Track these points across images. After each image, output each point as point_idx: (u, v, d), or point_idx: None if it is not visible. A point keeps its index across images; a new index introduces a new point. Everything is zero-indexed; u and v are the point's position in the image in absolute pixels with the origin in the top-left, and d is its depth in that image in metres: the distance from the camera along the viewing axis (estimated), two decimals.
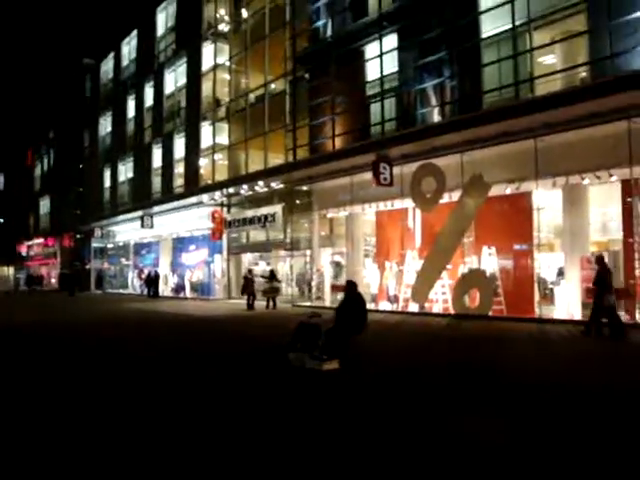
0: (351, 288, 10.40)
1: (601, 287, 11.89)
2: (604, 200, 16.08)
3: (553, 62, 16.04)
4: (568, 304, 15.34)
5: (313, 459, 4.67)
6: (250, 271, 23.24)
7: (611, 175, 14.30)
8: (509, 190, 16.38)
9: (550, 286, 17.21)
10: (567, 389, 7.14)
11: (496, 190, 16.39)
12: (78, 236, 45.45)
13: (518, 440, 5.09)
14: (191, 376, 8.43)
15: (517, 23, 15.69)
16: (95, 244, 42.95)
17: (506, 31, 16.17)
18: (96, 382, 8.05)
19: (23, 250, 60.48)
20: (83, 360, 10.11)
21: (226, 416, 6.07)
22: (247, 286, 21.92)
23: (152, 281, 31.78)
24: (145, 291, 32.64)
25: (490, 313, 16.21)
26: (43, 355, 10.86)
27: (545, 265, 17.04)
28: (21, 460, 4.78)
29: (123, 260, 40.50)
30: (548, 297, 16.98)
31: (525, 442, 5.03)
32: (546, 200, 16.58)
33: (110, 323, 17.47)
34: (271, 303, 21.52)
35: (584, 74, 15.02)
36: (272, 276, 22.13)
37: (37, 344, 12.56)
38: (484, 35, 16.97)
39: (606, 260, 12.71)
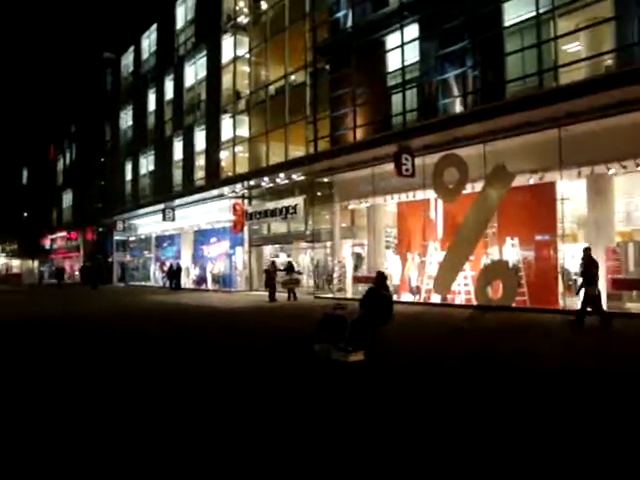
0: (380, 279, 10.43)
1: (586, 278, 12.02)
2: (629, 189, 15.89)
3: (578, 50, 15.80)
4: None
5: (337, 446, 4.73)
6: (273, 263, 23.34)
7: (638, 164, 14.09)
8: (532, 180, 16.24)
9: (574, 277, 17.03)
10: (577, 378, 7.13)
11: (519, 180, 16.25)
12: (100, 229, 45.95)
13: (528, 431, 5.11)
14: (218, 367, 8.53)
15: (541, 10, 15.49)
16: (117, 237, 43.38)
17: (529, 19, 15.97)
18: (126, 372, 8.20)
19: (46, 243, 61.31)
20: (113, 350, 10.28)
21: (253, 405, 6.14)
22: (270, 278, 22.04)
23: (174, 273, 32.09)
24: (167, 283, 32.96)
25: (513, 304, 16.12)
26: (72, 347, 11.04)
27: (569, 256, 16.87)
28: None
29: (145, 253, 40.88)
30: (572, 288, 16.81)
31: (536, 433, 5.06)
32: (570, 190, 16.40)
33: (135, 315, 17.73)
34: (291, 295, 21.60)
35: (609, 62, 14.79)
36: (290, 268, 22.22)
37: (67, 337, 12.77)
38: (507, 23, 16.76)
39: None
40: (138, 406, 6.26)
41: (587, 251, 12.46)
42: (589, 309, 12.08)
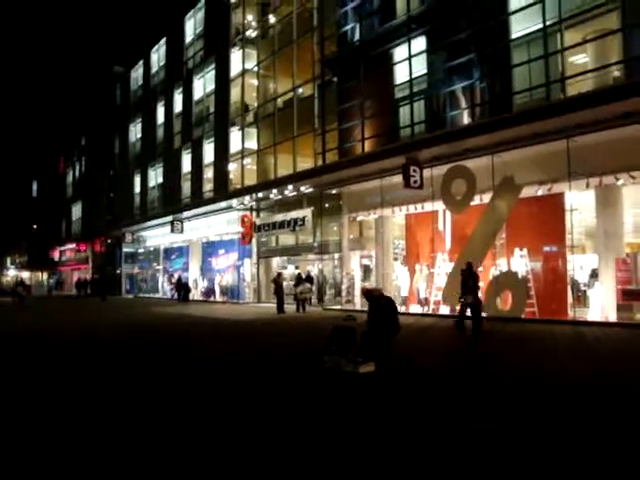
0: (378, 297, 10.40)
1: (463, 288, 13.95)
2: (637, 200, 15.86)
3: (585, 61, 15.85)
4: (602, 306, 15.13)
5: (347, 458, 4.75)
6: (279, 274, 23.39)
7: None
8: (541, 191, 16.24)
9: (583, 288, 16.99)
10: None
11: (528, 191, 16.29)
12: (109, 241, 46.18)
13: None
14: (229, 379, 8.55)
15: (548, 23, 15.56)
16: (126, 249, 43.61)
17: (536, 31, 16.04)
18: (142, 382, 8.24)
19: (55, 255, 61.63)
20: (128, 358, 10.34)
21: (263, 415, 6.16)
22: (277, 290, 22.06)
23: (182, 285, 32.17)
24: (175, 295, 33.04)
25: (523, 315, 16.08)
26: (90, 359, 11.10)
27: (578, 267, 16.83)
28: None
29: (154, 265, 41.02)
30: (581, 299, 16.77)
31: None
32: (579, 201, 16.40)
33: (145, 327, 17.79)
34: (301, 306, 21.64)
35: (617, 73, 14.82)
36: (298, 282, 22.24)
37: (87, 350, 12.84)
38: (514, 36, 16.85)
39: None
40: (151, 410, 6.31)
41: (468, 265, 14.32)
42: (468, 314, 13.92)
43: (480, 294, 17.25)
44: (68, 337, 15.02)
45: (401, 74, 20.43)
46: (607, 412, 6.05)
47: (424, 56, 19.40)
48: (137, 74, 44.24)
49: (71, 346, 13.01)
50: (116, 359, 10.78)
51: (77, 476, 4.52)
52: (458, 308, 14.72)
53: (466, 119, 18.22)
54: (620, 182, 14.68)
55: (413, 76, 19.51)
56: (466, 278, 13.99)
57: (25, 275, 68.24)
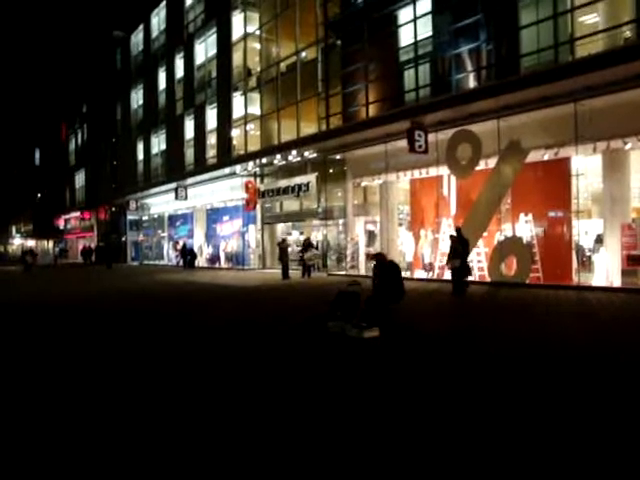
0: (383, 260, 10.47)
1: (453, 253, 14.33)
2: None
3: (595, 22, 15.46)
4: (607, 271, 15.12)
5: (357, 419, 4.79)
6: (284, 240, 23.42)
7: None
8: (547, 156, 16.07)
9: (588, 253, 16.95)
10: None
11: (534, 156, 16.13)
12: (113, 209, 46.16)
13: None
14: (236, 345, 8.62)
15: None
16: (130, 216, 43.60)
17: None
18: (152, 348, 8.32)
19: (60, 224, 61.73)
20: (156, 326, 10.44)
21: (268, 380, 6.21)
22: (282, 255, 22.11)
23: (188, 252, 32.26)
24: (181, 262, 33.16)
25: (527, 281, 16.09)
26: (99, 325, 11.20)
27: (583, 232, 16.76)
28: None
29: (158, 232, 41.10)
30: (586, 264, 16.74)
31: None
32: (585, 166, 16.24)
33: (153, 293, 17.90)
34: (306, 272, 21.71)
35: (629, 33, 14.48)
36: (305, 247, 22.29)
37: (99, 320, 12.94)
38: None
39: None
40: (151, 372, 6.38)
41: (458, 230, 14.80)
42: (467, 279, 14.51)
43: (483, 260, 17.54)
44: (75, 303, 15.18)
45: (406, 37, 20.02)
46: (606, 377, 6.08)
47: (429, 17, 18.96)
48: (137, 39, 43.51)
49: (77, 312, 13.14)
50: (122, 325, 10.88)
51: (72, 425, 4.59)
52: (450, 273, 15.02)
53: (472, 82, 17.93)
54: (628, 146, 14.50)
55: (418, 38, 19.14)
56: (456, 243, 14.24)
57: (31, 243, 68.55)
